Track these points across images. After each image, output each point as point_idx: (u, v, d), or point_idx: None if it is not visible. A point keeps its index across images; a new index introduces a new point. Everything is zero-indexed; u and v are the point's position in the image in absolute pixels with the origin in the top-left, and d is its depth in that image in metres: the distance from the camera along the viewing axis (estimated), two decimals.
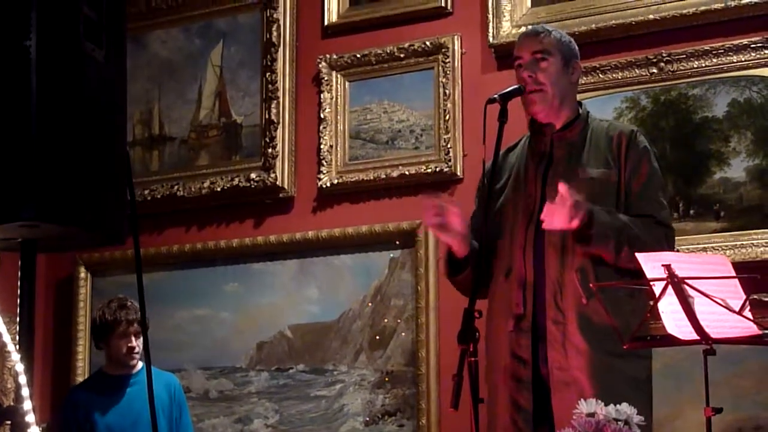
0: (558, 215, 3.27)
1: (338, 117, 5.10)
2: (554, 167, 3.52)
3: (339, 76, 5.12)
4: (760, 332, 2.92)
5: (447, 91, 4.85)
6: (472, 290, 3.23)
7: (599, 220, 3.32)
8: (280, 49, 5.23)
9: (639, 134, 3.56)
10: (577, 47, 3.64)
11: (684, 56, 4.44)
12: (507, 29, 4.74)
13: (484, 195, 3.57)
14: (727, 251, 4.22)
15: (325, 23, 5.19)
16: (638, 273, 3.03)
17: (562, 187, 3.26)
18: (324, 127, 5.09)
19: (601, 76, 4.56)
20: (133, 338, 4.55)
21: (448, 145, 4.81)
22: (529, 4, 4.76)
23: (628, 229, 3.36)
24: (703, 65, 4.42)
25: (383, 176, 4.94)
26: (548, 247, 3.44)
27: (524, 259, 3.46)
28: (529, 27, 3.83)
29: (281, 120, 5.18)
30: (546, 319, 3.40)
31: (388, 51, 5.01)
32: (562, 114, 3.56)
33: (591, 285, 3.21)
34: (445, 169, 4.80)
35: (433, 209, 3.47)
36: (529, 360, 3.41)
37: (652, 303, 2.91)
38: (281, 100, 5.19)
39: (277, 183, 5.14)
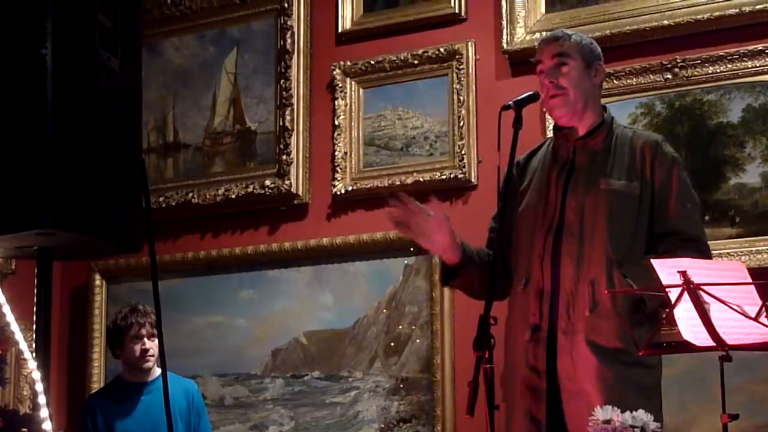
0: None
1: (352, 124, 5.10)
2: (576, 176, 3.47)
3: (353, 82, 5.13)
4: None
5: (461, 98, 4.85)
6: (487, 296, 3.18)
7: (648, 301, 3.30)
8: (294, 56, 5.24)
9: (665, 144, 3.49)
10: (599, 49, 3.60)
11: (699, 62, 4.43)
12: (521, 35, 4.73)
13: (503, 201, 3.55)
14: (743, 257, 4.21)
15: (339, 30, 5.19)
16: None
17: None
18: (338, 134, 5.10)
19: (615, 81, 4.55)
20: (146, 340, 4.56)
21: (463, 152, 4.80)
22: (543, 10, 4.75)
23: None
24: (718, 71, 4.41)
25: (397, 183, 4.93)
26: (565, 257, 3.40)
27: (542, 269, 3.43)
28: (548, 32, 3.81)
29: (295, 127, 5.18)
30: (557, 330, 3.39)
31: (402, 57, 5.01)
32: (585, 118, 3.51)
33: (605, 291, 3.19)
34: (460, 176, 4.80)
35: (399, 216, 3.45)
36: (544, 371, 3.38)
37: (668, 310, 2.90)
38: (295, 107, 5.20)
39: (292, 190, 5.14)
